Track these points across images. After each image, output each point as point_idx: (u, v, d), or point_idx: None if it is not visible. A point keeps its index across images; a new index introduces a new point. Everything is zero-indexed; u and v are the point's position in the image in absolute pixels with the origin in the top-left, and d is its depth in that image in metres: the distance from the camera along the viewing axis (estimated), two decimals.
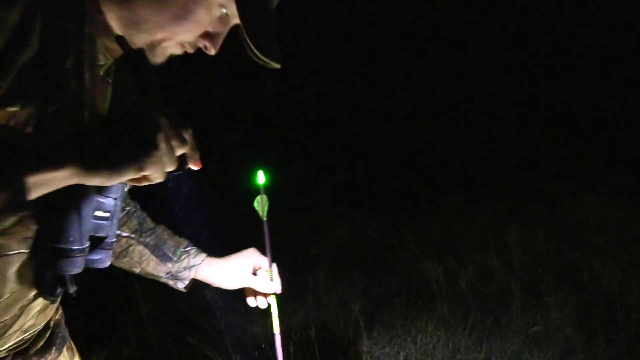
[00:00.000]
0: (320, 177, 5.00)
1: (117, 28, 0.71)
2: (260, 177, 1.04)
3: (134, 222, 1.02)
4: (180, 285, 1.07)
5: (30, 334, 0.79)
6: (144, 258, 1.03)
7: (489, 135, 5.32)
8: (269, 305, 1.08)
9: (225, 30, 0.77)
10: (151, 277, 1.07)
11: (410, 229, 3.19)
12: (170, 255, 1.05)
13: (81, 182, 0.59)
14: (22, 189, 0.55)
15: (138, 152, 0.58)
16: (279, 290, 1.08)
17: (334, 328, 2.56)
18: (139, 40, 0.72)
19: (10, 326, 0.73)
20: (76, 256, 0.71)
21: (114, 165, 0.58)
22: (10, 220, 0.64)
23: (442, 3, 6.29)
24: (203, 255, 1.08)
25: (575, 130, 5.06)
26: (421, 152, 5.10)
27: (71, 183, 0.59)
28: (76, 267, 0.72)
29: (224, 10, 0.74)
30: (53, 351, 0.85)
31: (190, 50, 0.77)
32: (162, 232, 1.07)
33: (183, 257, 1.06)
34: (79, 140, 0.58)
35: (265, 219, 1.06)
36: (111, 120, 0.60)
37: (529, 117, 5.56)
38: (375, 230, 3.29)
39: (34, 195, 0.57)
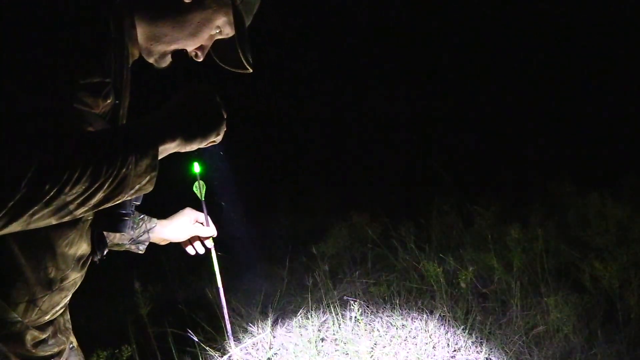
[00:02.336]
0: (320, 177, 5.00)
1: (141, 39, 0.92)
2: (197, 167, 1.33)
3: None
4: (142, 248, 1.28)
5: (65, 304, 0.91)
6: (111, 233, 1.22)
7: (490, 135, 5.32)
8: (208, 250, 1.37)
9: (210, 44, 1.00)
10: (116, 247, 1.24)
11: (410, 229, 3.18)
12: (131, 224, 1.23)
13: (181, 150, 0.83)
14: (156, 156, 0.76)
15: (216, 123, 0.85)
16: (215, 233, 1.36)
17: (334, 328, 2.56)
18: (156, 49, 0.94)
19: (70, 290, 0.88)
20: (127, 219, 0.90)
21: (204, 134, 0.84)
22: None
23: (445, 2, 6.29)
24: (155, 219, 1.30)
25: (576, 130, 5.05)
26: (421, 151, 5.10)
27: (176, 150, 0.83)
28: (128, 227, 0.91)
29: (218, 30, 0.97)
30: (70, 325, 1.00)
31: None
32: None
33: (141, 223, 1.27)
34: (180, 120, 0.81)
35: (202, 199, 1.36)
36: (191, 102, 0.84)
37: (530, 115, 5.55)
38: (375, 230, 3.29)
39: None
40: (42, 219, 0.67)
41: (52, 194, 0.64)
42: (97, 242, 0.91)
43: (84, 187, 0.67)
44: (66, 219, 0.70)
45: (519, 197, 3.78)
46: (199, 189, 1.36)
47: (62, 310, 0.89)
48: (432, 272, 2.62)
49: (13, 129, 0.63)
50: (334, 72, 6.11)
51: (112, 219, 0.89)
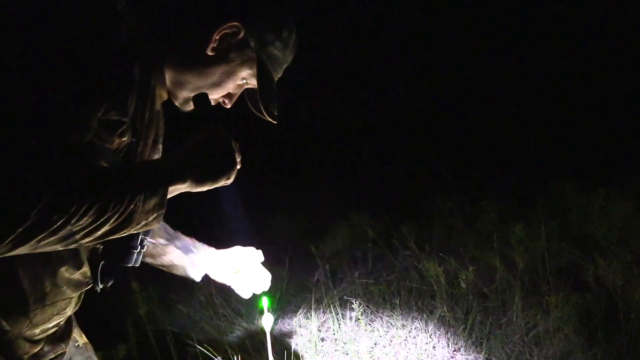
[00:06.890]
0: (320, 176, 5.00)
1: (168, 84, 0.97)
2: (265, 302, 1.52)
3: (162, 232, 1.32)
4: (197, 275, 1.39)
5: (57, 323, 0.93)
6: (175, 256, 1.33)
7: (492, 134, 5.29)
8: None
9: (239, 92, 1.06)
10: (179, 270, 1.36)
11: (412, 228, 3.16)
12: (192, 249, 1.37)
13: (192, 190, 0.85)
14: (165, 196, 0.79)
15: (227, 168, 0.87)
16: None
17: (335, 328, 2.55)
18: (181, 94, 0.99)
19: (64, 308, 0.90)
20: (134, 252, 0.92)
21: (214, 178, 0.86)
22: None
23: (445, 3, 6.26)
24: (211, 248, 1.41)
25: (580, 128, 5.02)
26: (423, 150, 5.08)
27: (187, 190, 0.85)
28: (133, 260, 0.93)
29: (245, 81, 1.02)
30: (74, 327, 1.05)
31: (212, 104, 1.02)
32: (182, 235, 1.38)
33: (200, 248, 1.37)
34: (192, 163, 0.84)
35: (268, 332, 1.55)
36: (206, 145, 0.86)
37: (533, 114, 5.52)
38: (375, 229, 3.28)
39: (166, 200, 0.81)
40: (48, 245, 0.70)
41: (59, 224, 0.67)
42: (102, 273, 0.93)
43: (90, 220, 0.70)
44: (72, 246, 0.73)
45: (523, 196, 3.75)
46: (267, 323, 1.55)
47: (53, 329, 0.90)
48: (432, 272, 2.61)
49: (29, 160, 0.66)
50: (334, 71, 6.10)
51: (120, 251, 0.92)
